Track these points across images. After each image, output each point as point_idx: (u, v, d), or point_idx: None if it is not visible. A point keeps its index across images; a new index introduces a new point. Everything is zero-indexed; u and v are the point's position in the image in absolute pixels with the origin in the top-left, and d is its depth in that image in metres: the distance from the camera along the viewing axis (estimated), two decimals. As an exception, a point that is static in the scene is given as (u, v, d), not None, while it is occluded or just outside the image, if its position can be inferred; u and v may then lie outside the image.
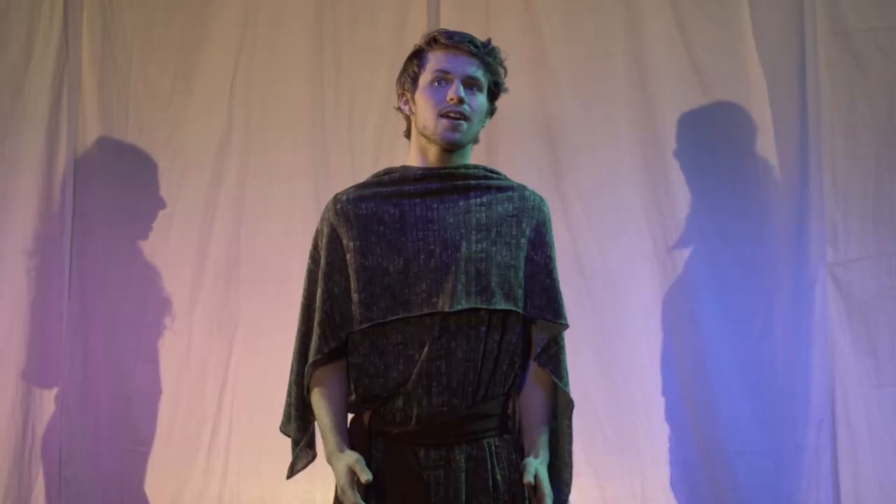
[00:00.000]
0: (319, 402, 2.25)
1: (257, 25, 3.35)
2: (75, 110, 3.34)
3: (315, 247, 2.31)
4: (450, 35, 2.26)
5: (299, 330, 2.32)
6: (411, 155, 2.31)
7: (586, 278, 3.13)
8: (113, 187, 3.33)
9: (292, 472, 2.33)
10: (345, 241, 2.24)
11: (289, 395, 2.33)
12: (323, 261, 2.26)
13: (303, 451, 2.33)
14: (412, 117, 2.29)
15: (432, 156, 2.26)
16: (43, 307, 3.26)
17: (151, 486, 3.24)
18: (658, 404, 3.07)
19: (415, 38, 3.16)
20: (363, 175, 3.24)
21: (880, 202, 3.01)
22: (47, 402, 3.24)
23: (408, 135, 2.33)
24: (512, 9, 3.24)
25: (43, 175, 3.29)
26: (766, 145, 3.10)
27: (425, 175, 2.25)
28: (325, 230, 2.28)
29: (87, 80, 3.36)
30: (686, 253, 3.09)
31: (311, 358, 2.24)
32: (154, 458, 3.24)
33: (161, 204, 3.31)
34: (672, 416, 3.06)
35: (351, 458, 2.16)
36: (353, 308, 2.20)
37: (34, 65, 3.32)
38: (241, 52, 3.35)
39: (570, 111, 3.19)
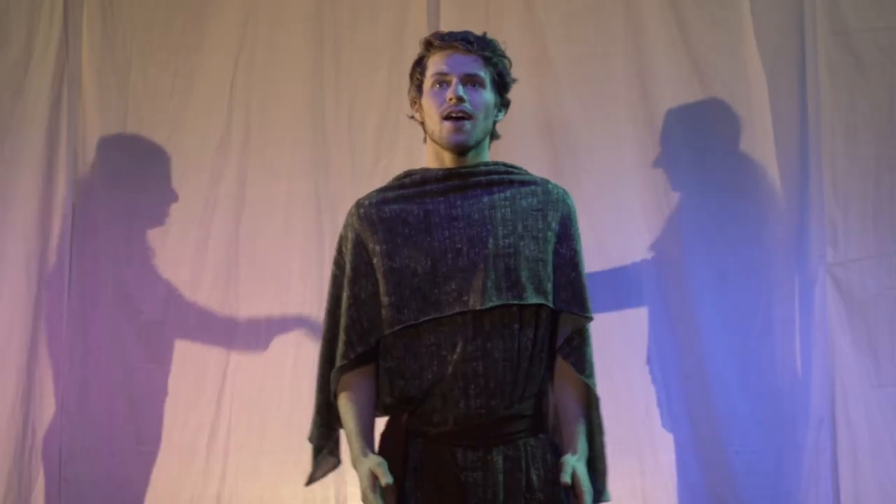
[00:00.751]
0: (345, 407, 2.23)
1: (257, 25, 3.35)
2: (75, 110, 3.34)
3: (339, 252, 2.30)
4: (443, 36, 2.28)
5: (324, 336, 2.29)
6: (429, 160, 2.31)
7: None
8: (113, 187, 3.33)
9: (311, 479, 2.31)
10: (370, 245, 2.23)
11: (316, 401, 2.31)
12: (348, 266, 2.25)
13: (325, 459, 2.31)
14: (424, 123, 2.30)
15: (448, 159, 2.27)
16: (43, 307, 3.26)
17: (151, 485, 3.23)
18: (658, 404, 3.07)
19: (415, 39, 3.17)
20: (363, 175, 3.27)
21: (880, 202, 3.01)
22: (47, 402, 3.24)
23: (426, 140, 2.33)
24: (512, 9, 3.24)
25: (43, 175, 3.28)
26: (766, 145, 3.10)
27: (447, 174, 2.25)
28: (350, 235, 2.26)
29: (87, 80, 3.36)
30: (686, 253, 3.09)
31: (337, 363, 2.22)
32: (154, 457, 3.24)
33: (161, 203, 3.31)
34: (672, 416, 3.06)
35: (373, 461, 2.13)
36: (384, 312, 2.18)
37: (34, 65, 3.31)
38: (241, 52, 3.35)
39: (570, 111, 3.19)
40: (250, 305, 3.29)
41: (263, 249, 3.30)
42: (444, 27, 3.12)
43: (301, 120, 3.31)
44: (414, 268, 2.18)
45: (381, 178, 3.14)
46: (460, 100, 2.20)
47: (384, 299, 2.19)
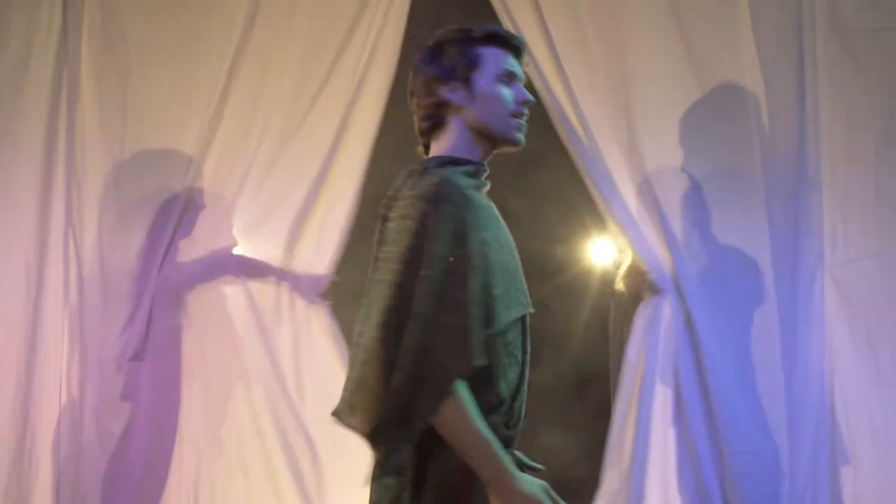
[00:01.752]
0: (471, 417, 1.97)
1: (257, 26, 3.35)
2: (75, 111, 3.34)
3: (462, 240, 2.02)
4: (509, 36, 2.24)
5: (433, 322, 1.97)
6: (455, 146, 2.17)
7: (586, 278, 3.13)
8: (113, 187, 3.33)
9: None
10: (481, 235, 2.06)
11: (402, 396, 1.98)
12: (475, 253, 2.03)
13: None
14: (463, 108, 2.17)
15: (484, 150, 2.19)
16: (43, 307, 3.26)
17: (151, 486, 3.24)
18: (656, 404, 3.07)
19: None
20: (361, 175, 3.27)
21: (880, 202, 3.01)
22: (47, 403, 3.24)
23: (439, 124, 2.19)
24: (512, 8, 3.23)
25: (43, 175, 3.28)
26: (766, 145, 3.10)
27: (483, 171, 2.20)
28: (469, 220, 2.04)
29: (87, 81, 3.35)
30: (685, 253, 3.09)
31: (475, 360, 1.98)
32: (154, 458, 3.24)
33: (160, 203, 3.31)
34: (670, 416, 3.06)
35: (541, 481, 2.01)
36: (493, 305, 2.04)
37: (34, 65, 3.31)
38: (241, 53, 3.35)
39: (568, 111, 3.18)
40: (250, 305, 3.28)
41: (263, 249, 3.30)
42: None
43: (299, 120, 3.31)
44: (506, 262, 2.11)
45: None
46: (529, 103, 2.21)
47: (494, 292, 2.04)
